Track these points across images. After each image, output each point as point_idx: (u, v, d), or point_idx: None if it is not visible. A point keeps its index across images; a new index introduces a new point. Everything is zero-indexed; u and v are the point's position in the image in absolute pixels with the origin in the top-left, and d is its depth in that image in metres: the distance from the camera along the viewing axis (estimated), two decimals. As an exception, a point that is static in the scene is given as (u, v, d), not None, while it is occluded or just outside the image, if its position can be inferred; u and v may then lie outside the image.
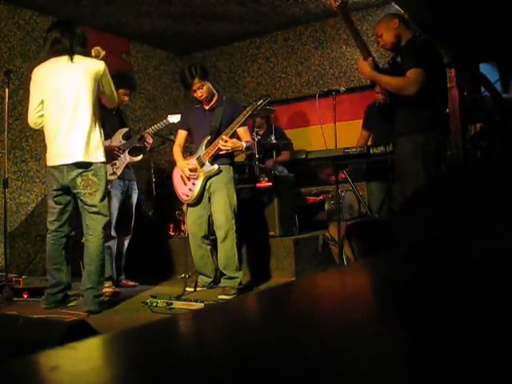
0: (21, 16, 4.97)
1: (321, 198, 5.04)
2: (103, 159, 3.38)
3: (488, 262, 0.76)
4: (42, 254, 4.61)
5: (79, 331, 1.28)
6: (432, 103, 2.91)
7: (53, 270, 3.42)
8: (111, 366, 0.52)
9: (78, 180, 3.28)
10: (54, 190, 3.34)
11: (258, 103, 3.74)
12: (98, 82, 3.36)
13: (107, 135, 4.33)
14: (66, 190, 3.36)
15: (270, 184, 4.41)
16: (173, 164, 4.19)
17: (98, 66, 3.36)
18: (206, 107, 3.86)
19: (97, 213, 3.35)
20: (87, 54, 3.41)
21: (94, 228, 3.35)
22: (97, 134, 3.37)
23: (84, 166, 3.29)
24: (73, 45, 3.32)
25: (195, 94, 3.77)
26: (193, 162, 3.81)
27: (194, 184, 3.80)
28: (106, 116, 4.37)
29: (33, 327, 1.41)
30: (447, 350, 0.47)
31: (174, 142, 4.27)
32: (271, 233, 4.41)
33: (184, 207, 3.92)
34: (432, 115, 2.88)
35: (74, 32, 3.36)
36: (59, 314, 3.22)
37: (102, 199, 3.36)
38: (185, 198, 3.86)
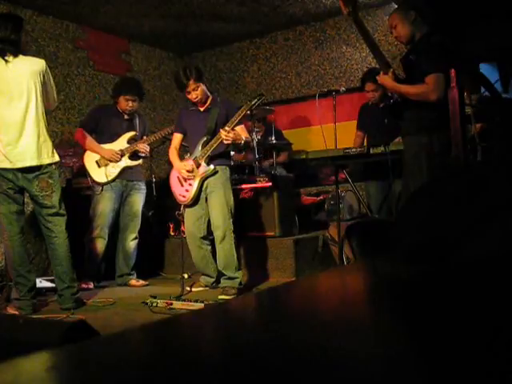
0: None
1: (321, 198, 5.04)
2: (57, 159, 3.37)
3: (487, 261, 0.76)
4: (42, 254, 4.60)
5: (79, 331, 1.28)
6: (438, 104, 2.89)
7: (27, 272, 3.31)
8: (111, 366, 0.52)
9: (35, 183, 3.25)
10: (10, 189, 3.22)
11: (253, 102, 3.74)
12: (42, 81, 3.29)
13: (110, 138, 4.29)
14: (21, 190, 3.31)
15: (270, 184, 4.41)
16: (172, 164, 4.18)
17: (41, 64, 3.29)
18: (201, 109, 3.85)
19: (56, 214, 3.34)
20: (25, 45, 3.30)
21: (57, 231, 3.34)
22: (47, 135, 3.32)
23: (39, 168, 3.26)
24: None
25: (189, 96, 3.75)
26: (189, 163, 3.80)
27: (190, 185, 3.79)
28: (112, 119, 4.33)
29: (33, 327, 1.41)
30: (447, 349, 0.47)
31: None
32: (271, 233, 4.40)
33: (182, 208, 3.92)
34: (437, 116, 2.86)
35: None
36: (59, 314, 3.22)
37: (59, 199, 3.35)
38: (182, 199, 3.85)
